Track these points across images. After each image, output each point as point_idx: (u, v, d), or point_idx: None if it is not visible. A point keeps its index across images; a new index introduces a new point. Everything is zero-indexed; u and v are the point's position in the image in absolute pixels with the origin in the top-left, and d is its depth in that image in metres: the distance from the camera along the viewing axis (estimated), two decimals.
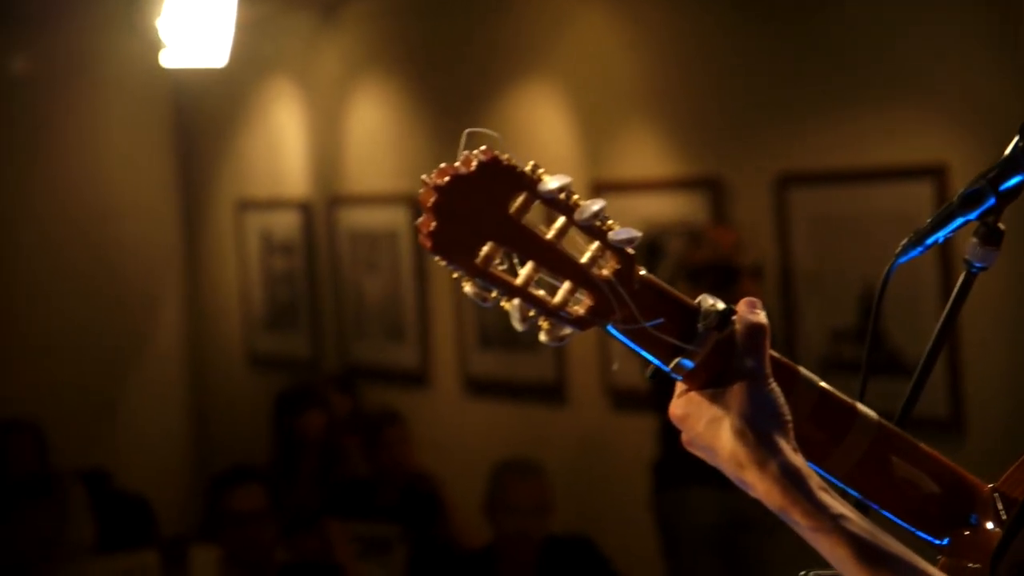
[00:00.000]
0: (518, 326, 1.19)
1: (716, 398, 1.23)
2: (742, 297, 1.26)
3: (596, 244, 1.19)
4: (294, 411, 6.17)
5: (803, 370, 1.28)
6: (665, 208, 5.57)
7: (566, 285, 1.19)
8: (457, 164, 1.16)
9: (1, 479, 5.66)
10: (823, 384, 1.28)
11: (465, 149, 1.16)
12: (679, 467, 5.04)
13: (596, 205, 1.19)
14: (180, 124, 7.79)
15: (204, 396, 7.84)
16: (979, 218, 1.40)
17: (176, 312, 7.82)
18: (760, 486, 1.20)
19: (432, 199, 1.15)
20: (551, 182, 1.17)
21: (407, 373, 6.74)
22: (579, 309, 1.19)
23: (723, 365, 1.24)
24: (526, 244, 1.17)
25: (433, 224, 1.15)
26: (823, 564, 1.25)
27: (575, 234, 1.19)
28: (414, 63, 6.68)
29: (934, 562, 1.28)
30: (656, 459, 5.24)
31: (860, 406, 1.30)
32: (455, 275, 1.18)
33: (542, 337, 1.20)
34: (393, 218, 6.73)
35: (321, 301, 7.22)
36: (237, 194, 7.62)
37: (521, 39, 6.18)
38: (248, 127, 7.56)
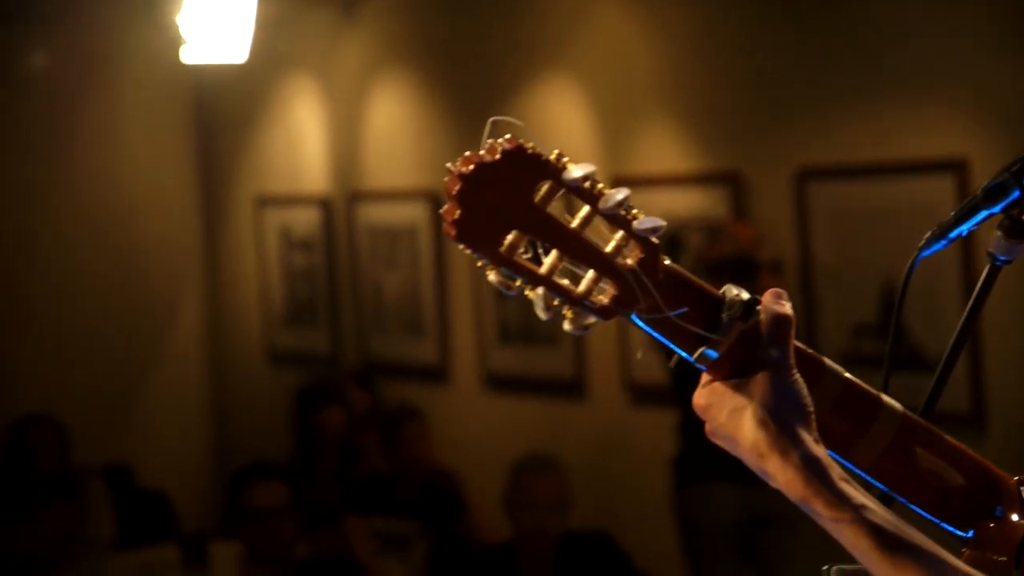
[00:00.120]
0: (542, 315, 1.18)
1: (739, 388, 1.23)
2: (762, 292, 1.26)
3: (621, 233, 1.19)
4: (314, 407, 6.18)
5: (828, 361, 1.28)
6: (685, 203, 5.56)
7: (590, 274, 1.19)
8: (482, 152, 1.16)
9: (23, 476, 5.68)
10: (848, 375, 1.28)
11: (490, 138, 1.16)
12: (699, 462, 5.03)
13: (621, 194, 1.18)
14: (200, 120, 7.81)
15: (224, 392, 7.86)
16: (1003, 211, 1.39)
17: (196, 309, 7.83)
18: (781, 476, 1.20)
19: (457, 187, 1.15)
20: (576, 170, 1.17)
21: (426, 369, 6.74)
22: (603, 298, 1.19)
23: (747, 355, 1.24)
24: (551, 233, 1.17)
25: (458, 212, 1.15)
26: (844, 559, 1.24)
27: (599, 223, 1.19)
28: (433, 59, 6.68)
29: (959, 554, 1.27)
30: (676, 454, 5.23)
31: (885, 397, 1.29)
32: (479, 264, 1.17)
33: (566, 326, 1.19)
34: (412, 214, 6.73)
35: (340, 297, 7.23)
36: (257, 190, 7.64)
37: (540, 34, 6.18)
38: (268, 123, 7.57)
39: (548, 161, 1.17)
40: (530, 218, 1.16)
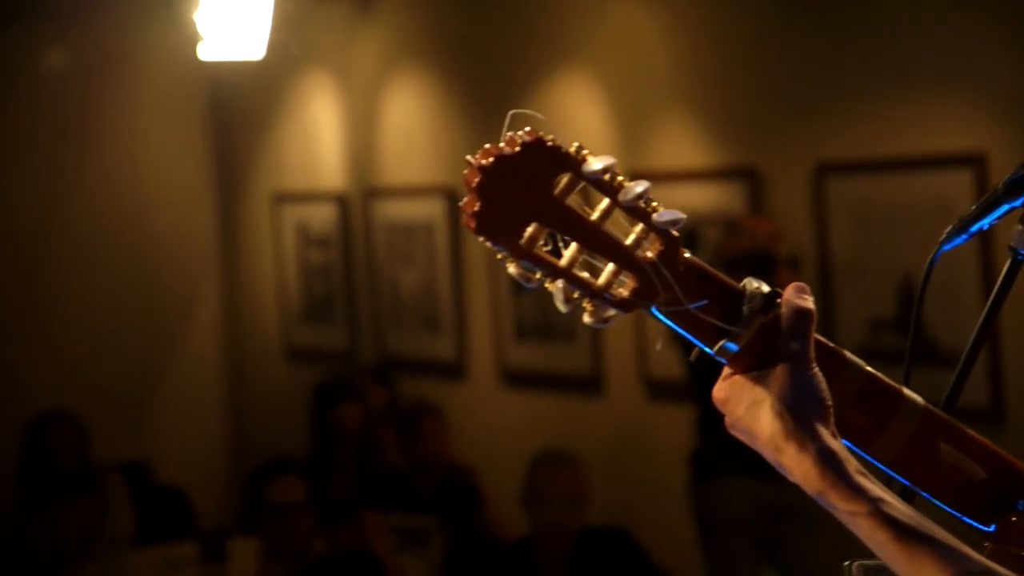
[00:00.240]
0: (562, 307, 1.18)
1: (758, 381, 1.23)
2: (780, 288, 1.26)
3: (640, 226, 1.18)
4: (331, 403, 6.18)
5: (850, 355, 1.27)
6: (702, 198, 5.55)
7: (610, 267, 1.18)
8: (502, 145, 1.16)
9: (42, 473, 5.69)
10: (869, 369, 1.27)
11: (509, 131, 1.16)
12: (716, 457, 5.03)
13: (640, 186, 1.18)
14: (217, 117, 7.82)
15: (242, 389, 7.87)
16: None
17: (213, 305, 7.85)
18: (797, 470, 1.20)
19: (476, 180, 1.15)
20: (596, 163, 1.17)
21: (443, 365, 6.74)
22: (623, 291, 1.19)
23: (767, 349, 1.23)
24: (570, 225, 1.17)
25: (477, 205, 1.15)
26: (863, 554, 1.24)
27: (619, 216, 1.18)
28: (450, 55, 6.68)
29: (981, 548, 1.27)
30: (693, 450, 5.23)
31: (907, 391, 1.29)
32: (499, 256, 1.17)
33: (586, 319, 1.19)
34: (429, 210, 6.73)
35: (357, 293, 7.24)
36: (273, 187, 7.65)
37: (557, 29, 6.17)
38: (284, 120, 7.58)
39: (568, 153, 1.17)
40: (550, 210, 1.16)
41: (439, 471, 5.78)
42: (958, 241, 1.44)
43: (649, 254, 1.18)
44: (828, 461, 1.19)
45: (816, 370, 1.22)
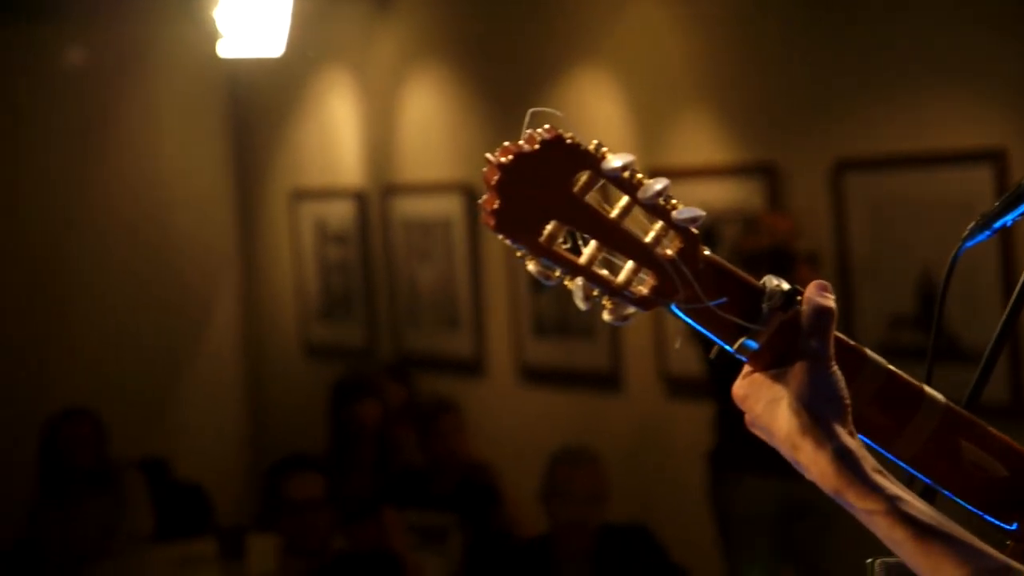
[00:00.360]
0: (581, 305, 1.18)
1: (777, 378, 1.23)
2: (799, 284, 1.25)
3: (660, 223, 1.18)
4: (349, 400, 6.19)
5: (871, 353, 1.27)
6: (721, 194, 5.54)
7: (630, 264, 1.18)
8: (521, 142, 1.15)
9: (61, 469, 5.71)
10: (890, 367, 1.27)
11: (528, 128, 1.16)
12: (735, 455, 5.02)
13: (660, 184, 1.18)
14: (235, 115, 7.83)
15: (260, 386, 7.89)
16: None
17: (231, 302, 7.86)
18: (814, 468, 1.20)
19: (496, 177, 1.15)
20: (615, 160, 1.17)
21: (462, 362, 6.75)
22: (643, 289, 1.18)
23: (787, 346, 1.23)
24: (590, 223, 1.17)
25: (497, 202, 1.15)
26: (882, 552, 1.24)
27: (638, 213, 1.18)
28: (468, 51, 6.68)
29: (1003, 547, 1.26)
30: (712, 447, 5.22)
31: (928, 389, 1.28)
32: (518, 254, 1.17)
33: (605, 316, 1.19)
34: (447, 207, 6.73)
35: (376, 290, 7.24)
36: (292, 184, 7.66)
37: (575, 26, 6.17)
38: (303, 117, 7.59)
39: (587, 151, 1.17)
40: (569, 208, 1.16)
41: (457, 468, 5.78)
42: (981, 237, 1.43)
43: (669, 251, 1.18)
44: (845, 459, 1.19)
45: (835, 368, 1.22)
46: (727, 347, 1.23)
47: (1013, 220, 1.42)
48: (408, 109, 6.97)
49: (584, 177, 1.17)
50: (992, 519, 1.30)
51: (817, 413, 1.20)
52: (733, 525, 5.15)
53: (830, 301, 1.24)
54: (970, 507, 1.29)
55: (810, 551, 5.05)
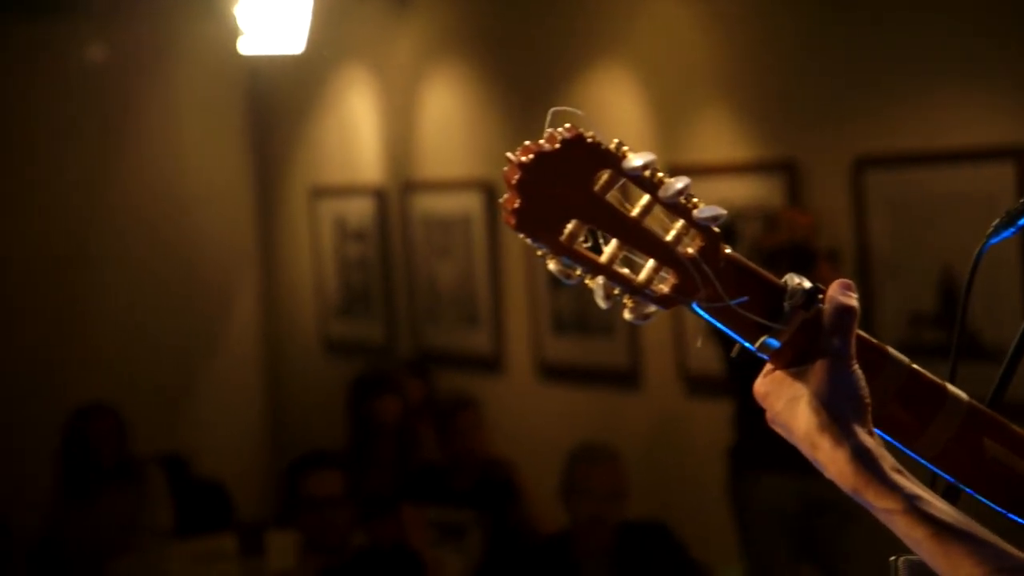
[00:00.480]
0: (602, 304, 1.18)
1: (798, 376, 1.23)
2: (819, 281, 1.25)
3: (681, 222, 1.18)
4: (369, 397, 6.20)
5: (893, 351, 1.27)
6: (741, 191, 5.53)
7: (650, 263, 1.18)
8: (542, 141, 1.16)
9: (83, 465, 5.73)
10: (914, 366, 1.27)
11: (550, 127, 1.16)
12: (755, 452, 5.01)
13: (681, 183, 1.18)
14: (255, 111, 7.84)
15: (279, 382, 7.90)
16: None
17: (251, 299, 7.88)
18: (832, 466, 1.20)
19: (517, 176, 1.15)
20: (636, 159, 1.17)
21: (481, 358, 6.75)
22: (663, 287, 1.19)
23: (808, 344, 1.23)
24: (611, 222, 1.17)
25: (518, 201, 1.15)
26: (904, 550, 1.23)
27: (659, 212, 1.18)
28: (487, 48, 6.68)
29: None
30: (731, 444, 5.21)
31: (950, 387, 1.28)
32: (539, 253, 1.17)
33: (626, 315, 1.19)
34: (466, 203, 6.73)
35: (395, 287, 7.25)
36: (311, 181, 7.67)
37: (595, 23, 6.16)
38: (322, 114, 7.60)
39: (608, 150, 1.17)
40: (590, 207, 1.16)
41: (476, 465, 5.78)
42: (1005, 234, 1.42)
43: (690, 250, 1.18)
44: (863, 458, 1.19)
45: (856, 367, 1.22)
46: (749, 345, 1.23)
47: None
48: (427, 106, 6.98)
49: (605, 176, 1.17)
50: (1016, 517, 1.29)
51: (836, 412, 1.20)
52: (752, 522, 5.14)
53: (853, 300, 1.23)
54: (994, 505, 1.29)
55: (830, 549, 5.04)
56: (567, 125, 1.16)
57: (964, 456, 1.27)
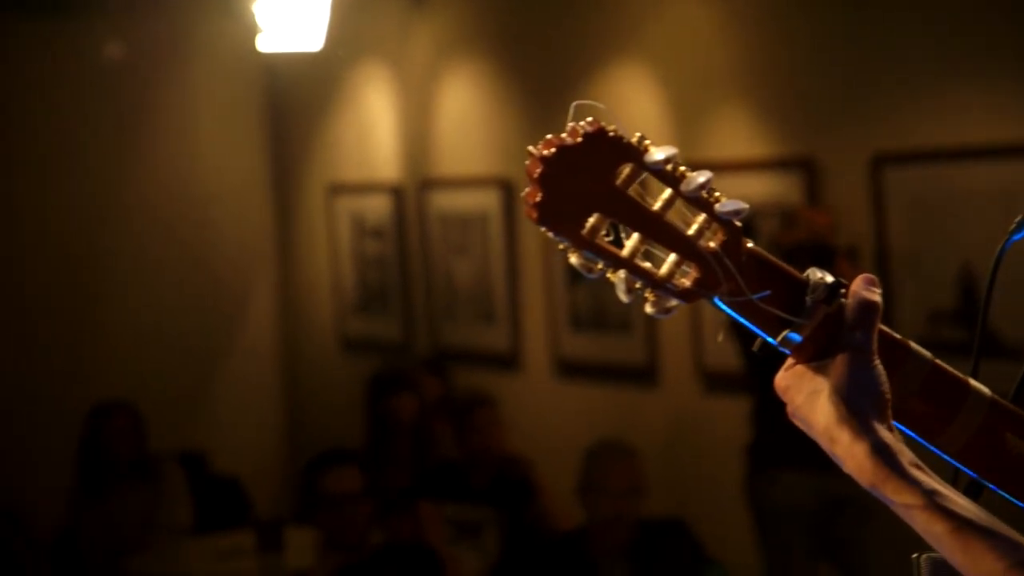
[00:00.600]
0: (624, 298, 1.18)
1: (819, 371, 1.23)
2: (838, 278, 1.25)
3: (703, 216, 1.18)
4: (386, 394, 6.20)
5: (915, 346, 1.27)
6: (759, 189, 5.52)
7: (672, 257, 1.18)
8: (564, 135, 1.15)
9: (101, 462, 5.74)
10: (936, 361, 1.27)
11: (572, 121, 1.16)
12: (773, 449, 5.00)
13: (703, 177, 1.18)
14: (272, 109, 7.85)
15: (297, 379, 7.91)
16: None
17: (269, 296, 7.89)
18: (851, 461, 1.20)
19: (538, 170, 1.15)
20: (658, 153, 1.16)
21: (498, 356, 6.75)
22: (685, 281, 1.18)
23: (830, 339, 1.23)
24: (632, 215, 1.16)
25: (539, 195, 1.15)
26: (923, 548, 1.23)
27: (680, 206, 1.18)
28: (505, 46, 6.68)
29: None
30: (750, 441, 5.21)
31: (973, 382, 1.28)
32: (561, 247, 1.17)
33: (648, 309, 1.19)
34: (484, 201, 6.73)
35: (412, 284, 7.25)
36: (329, 178, 7.67)
37: (612, 20, 6.16)
38: (340, 111, 7.60)
39: (630, 144, 1.17)
40: (612, 201, 1.16)
41: (493, 462, 5.78)
42: None
43: (712, 244, 1.18)
44: (882, 453, 1.18)
45: (877, 362, 1.22)
46: (770, 340, 1.23)
47: None
48: (445, 103, 6.98)
49: (627, 170, 1.17)
50: None
51: (855, 406, 1.20)
52: (770, 519, 5.13)
53: (877, 296, 1.24)
54: (1016, 501, 1.29)
55: (849, 546, 5.03)
56: (589, 119, 1.16)
57: (986, 451, 1.26)
